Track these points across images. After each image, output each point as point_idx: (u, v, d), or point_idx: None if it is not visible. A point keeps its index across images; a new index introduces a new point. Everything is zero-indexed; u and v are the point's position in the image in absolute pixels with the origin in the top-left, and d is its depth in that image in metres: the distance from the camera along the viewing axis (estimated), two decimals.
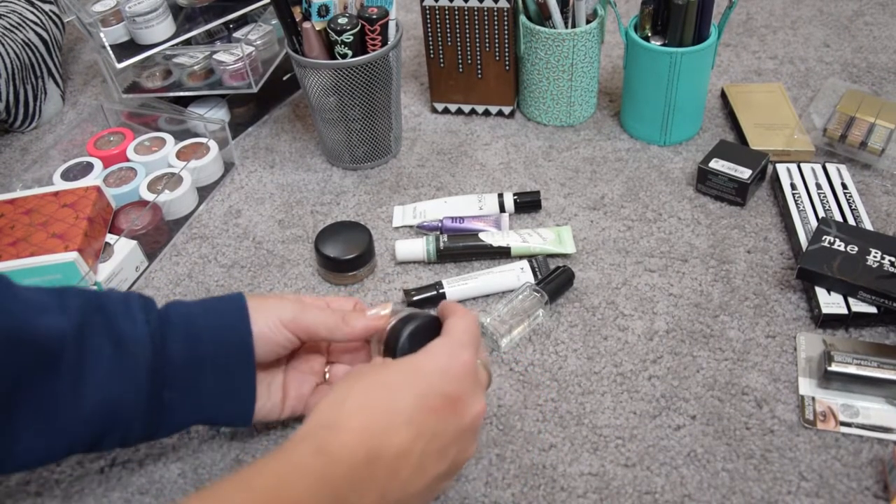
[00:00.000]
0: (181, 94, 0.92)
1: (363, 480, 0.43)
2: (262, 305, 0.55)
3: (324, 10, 0.77)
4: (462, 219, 0.78)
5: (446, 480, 0.48)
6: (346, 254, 0.73)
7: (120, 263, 0.74)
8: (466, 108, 0.94)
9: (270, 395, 0.58)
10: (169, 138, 0.89)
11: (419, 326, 0.54)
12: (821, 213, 0.75)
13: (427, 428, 0.45)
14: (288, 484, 0.41)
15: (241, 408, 0.56)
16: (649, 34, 0.83)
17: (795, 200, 0.76)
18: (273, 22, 0.95)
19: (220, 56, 0.90)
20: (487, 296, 0.72)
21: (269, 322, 0.55)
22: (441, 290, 0.71)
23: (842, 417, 0.60)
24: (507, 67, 0.89)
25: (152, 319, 0.53)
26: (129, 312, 0.53)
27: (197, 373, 0.54)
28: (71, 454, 0.53)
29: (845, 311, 0.66)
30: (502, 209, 0.80)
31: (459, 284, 0.71)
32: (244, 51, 0.88)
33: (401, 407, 0.45)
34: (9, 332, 0.48)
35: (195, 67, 0.92)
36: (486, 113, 0.94)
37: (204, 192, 0.86)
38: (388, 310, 0.57)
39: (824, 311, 0.66)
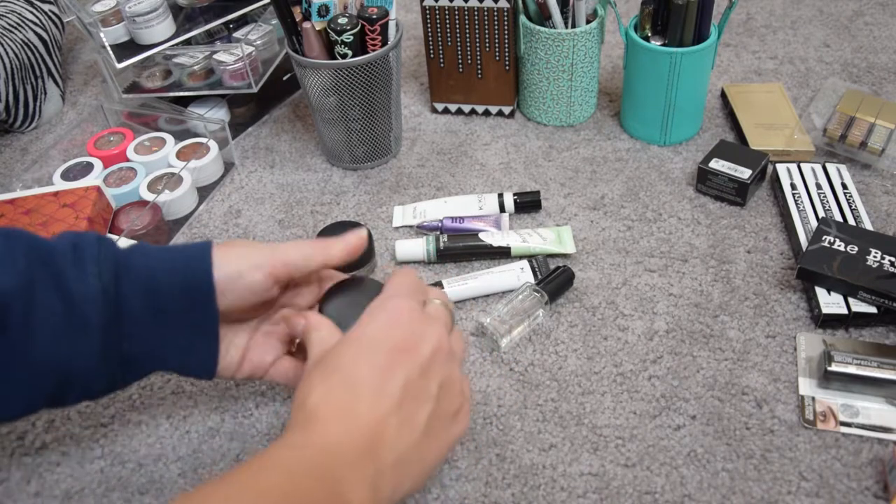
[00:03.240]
0: (181, 94, 0.92)
1: (345, 460, 0.43)
2: (231, 251, 0.52)
3: (324, 10, 0.77)
4: (462, 219, 0.78)
5: (446, 418, 0.48)
6: None
7: None
8: (466, 108, 0.94)
9: (228, 352, 0.55)
10: (169, 138, 0.89)
11: (349, 284, 0.56)
12: (821, 213, 0.75)
13: (391, 384, 0.45)
14: (264, 479, 0.41)
15: (203, 360, 0.53)
16: (649, 34, 0.83)
17: (795, 200, 0.76)
18: (273, 22, 0.95)
19: (220, 56, 0.90)
20: (487, 296, 0.72)
21: (237, 266, 0.51)
22: (441, 290, 0.71)
23: (842, 417, 0.60)
24: (507, 67, 0.89)
25: (105, 271, 0.50)
26: (79, 264, 0.49)
27: (157, 324, 0.51)
28: (32, 412, 0.51)
29: (845, 311, 0.66)
30: (502, 209, 0.80)
31: (459, 284, 0.71)
32: (244, 51, 0.89)
33: (359, 379, 0.45)
34: None
35: (195, 67, 0.92)
36: (486, 113, 0.94)
37: (204, 192, 0.86)
38: (365, 233, 0.57)
39: (824, 311, 0.66)
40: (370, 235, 0.74)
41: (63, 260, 0.49)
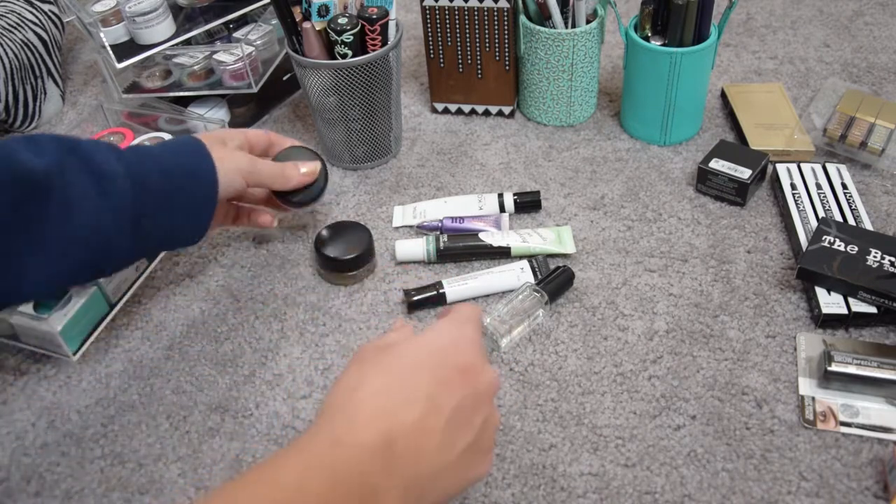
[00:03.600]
0: (181, 94, 0.92)
1: (385, 464, 0.42)
2: (225, 156, 0.65)
3: (324, 10, 0.77)
4: (462, 219, 0.78)
5: (479, 454, 0.47)
6: (345, 254, 0.73)
7: None
8: (466, 108, 0.94)
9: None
10: (169, 138, 0.89)
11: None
12: (821, 213, 0.75)
13: (444, 401, 0.44)
14: (308, 479, 0.40)
15: (195, 236, 0.65)
16: (649, 34, 0.83)
17: (795, 200, 0.76)
18: (273, 22, 0.95)
19: (220, 56, 0.90)
20: (487, 296, 0.72)
21: (229, 171, 0.65)
22: (441, 290, 0.71)
23: (842, 417, 0.60)
24: (507, 67, 0.89)
25: (123, 157, 0.59)
26: (101, 151, 0.58)
27: (170, 204, 0.61)
28: (75, 283, 0.63)
29: (845, 311, 0.66)
30: (502, 209, 0.80)
31: (459, 284, 0.71)
32: (244, 51, 0.88)
33: (416, 385, 0.44)
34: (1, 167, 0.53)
35: (195, 67, 0.92)
36: (486, 113, 0.94)
37: None
38: (318, 167, 0.73)
39: (824, 311, 0.66)
40: (370, 235, 0.75)
41: (88, 147, 0.58)
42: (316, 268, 0.76)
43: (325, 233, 0.75)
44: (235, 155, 0.67)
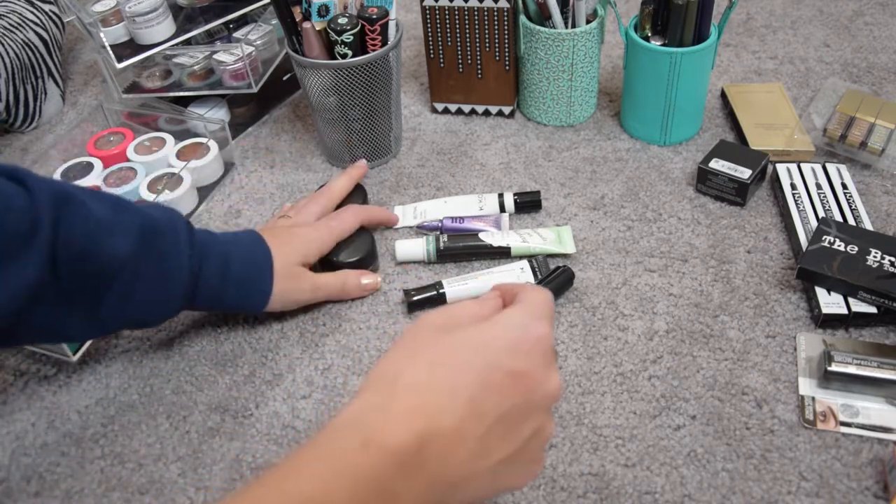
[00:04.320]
0: (181, 94, 0.92)
1: (412, 467, 0.39)
2: (287, 287, 0.68)
3: (324, 10, 0.77)
4: (462, 219, 0.78)
5: (521, 464, 0.44)
6: (349, 257, 0.73)
7: None
8: (466, 108, 0.94)
9: None
10: (169, 138, 0.89)
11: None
12: (821, 213, 0.75)
13: (489, 407, 0.41)
14: (332, 488, 0.38)
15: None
16: (649, 34, 0.83)
17: (795, 200, 0.76)
18: (273, 22, 0.95)
19: (220, 56, 0.90)
20: None
21: (287, 302, 0.69)
22: (441, 291, 0.71)
23: (842, 417, 0.60)
24: (507, 67, 0.89)
25: (195, 253, 0.62)
26: (176, 244, 0.61)
27: (221, 303, 0.66)
28: (98, 337, 0.69)
29: (845, 311, 0.66)
30: (502, 209, 0.80)
31: (459, 284, 0.71)
32: (244, 51, 0.89)
33: (461, 384, 0.41)
34: (81, 250, 0.55)
35: (195, 67, 0.92)
36: (486, 113, 0.94)
37: (204, 192, 0.86)
38: (378, 280, 0.73)
39: (824, 311, 0.66)
40: (372, 239, 0.75)
41: (164, 237, 0.61)
42: (318, 270, 0.75)
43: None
44: (300, 284, 0.69)
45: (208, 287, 0.64)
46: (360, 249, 0.73)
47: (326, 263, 0.73)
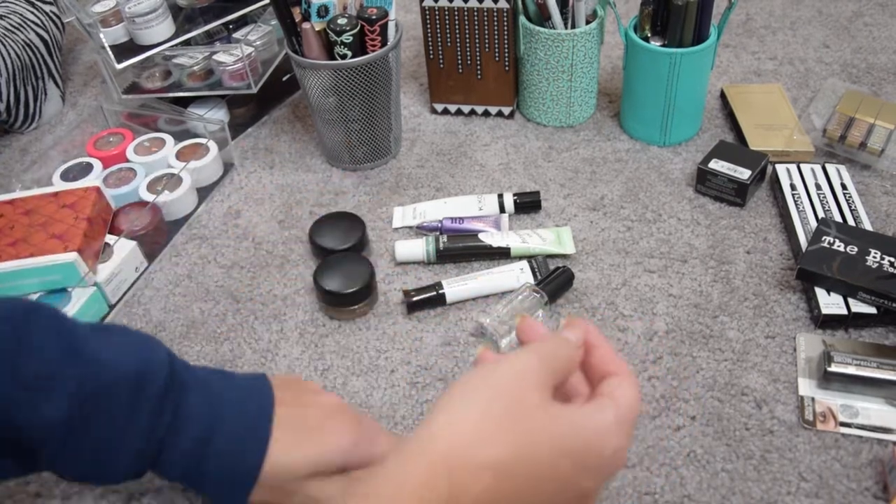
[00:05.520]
0: (181, 94, 0.92)
1: None
2: (283, 459, 0.49)
3: (323, 11, 0.77)
4: (462, 219, 0.78)
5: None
6: (346, 287, 0.69)
7: (119, 264, 0.74)
8: (466, 108, 0.94)
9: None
10: (168, 139, 0.89)
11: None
12: (820, 214, 0.75)
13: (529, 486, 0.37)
14: None
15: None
16: (649, 35, 0.83)
17: (795, 201, 0.76)
18: (273, 22, 0.95)
19: (219, 56, 0.90)
20: (487, 296, 0.72)
21: (283, 476, 0.49)
22: (441, 291, 0.71)
23: (841, 418, 0.60)
24: (507, 68, 0.89)
25: (163, 422, 0.48)
26: (135, 407, 0.47)
27: (190, 483, 0.51)
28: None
29: (845, 312, 0.66)
30: (502, 210, 0.80)
31: (459, 285, 0.71)
32: (244, 51, 0.89)
33: (525, 492, 0.37)
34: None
35: (195, 68, 0.92)
36: (486, 113, 0.94)
37: (203, 192, 0.86)
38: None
39: (824, 311, 0.66)
40: (373, 272, 0.71)
41: (116, 398, 0.47)
42: (318, 303, 0.73)
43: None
44: (304, 449, 0.50)
45: (180, 455, 0.49)
46: (356, 281, 0.70)
47: (321, 291, 0.70)
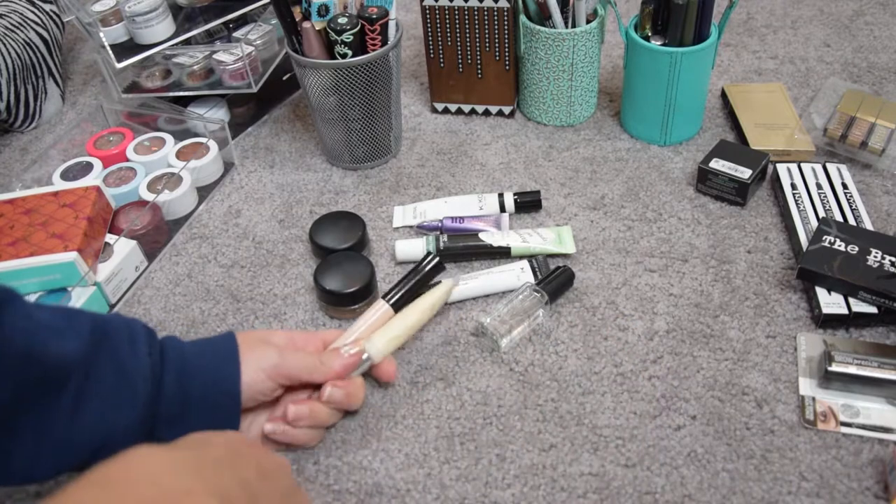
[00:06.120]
0: (181, 93, 0.92)
1: None
2: (249, 355, 0.58)
3: (324, 10, 0.77)
4: (462, 219, 0.78)
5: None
6: (346, 287, 0.69)
7: (119, 263, 0.74)
8: (466, 107, 0.94)
9: (250, 432, 0.60)
10: (169, 138, 0.89)
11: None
12: (821, 213, 0.75)
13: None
14: None
15: None
16: (649, 34, 0.83)
17: (796, 200, 0.76)
18: (273, 22, 0.95)
19: (219, 56, 0.90)
20: (487, 296, 0.72)
21: (252, 373, 0.57)
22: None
23: (842, 417, 0.60)
24: (507, 67, 0.89)
25: (154, 352, 0.55)
26: (133, 342, 0.54)
27: (184, 410, 0.55)
28: (56, 476, 0.54)
29: (845, 311, 0.65)
30: (502, 209, 0.80)
31: (459, 284, 0.71)
32: (244, 51, 0.88)
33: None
34: (25, 350, 0.49)
35: (195, 67, 0.92)
36: (486, 113, 0.94)
37: (204, 191, 0.86)
38: (361, 347, 0.62)
39: (824, 311, 0.66)
40: (372, 271, 0.71)
41: (119, 335, 0.54)
42: (318, 303, 0.73)
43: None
44: (266, 350, 0.58)
45: (171, 389, 0.55)
46: (356, 280, 0.70)
47: (321, 290, 0.70)
